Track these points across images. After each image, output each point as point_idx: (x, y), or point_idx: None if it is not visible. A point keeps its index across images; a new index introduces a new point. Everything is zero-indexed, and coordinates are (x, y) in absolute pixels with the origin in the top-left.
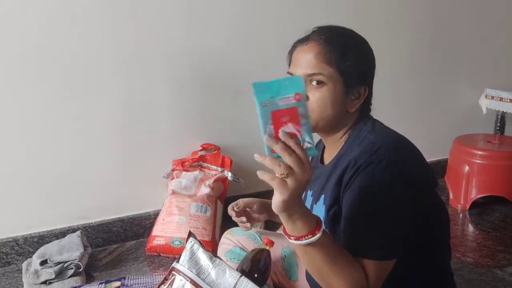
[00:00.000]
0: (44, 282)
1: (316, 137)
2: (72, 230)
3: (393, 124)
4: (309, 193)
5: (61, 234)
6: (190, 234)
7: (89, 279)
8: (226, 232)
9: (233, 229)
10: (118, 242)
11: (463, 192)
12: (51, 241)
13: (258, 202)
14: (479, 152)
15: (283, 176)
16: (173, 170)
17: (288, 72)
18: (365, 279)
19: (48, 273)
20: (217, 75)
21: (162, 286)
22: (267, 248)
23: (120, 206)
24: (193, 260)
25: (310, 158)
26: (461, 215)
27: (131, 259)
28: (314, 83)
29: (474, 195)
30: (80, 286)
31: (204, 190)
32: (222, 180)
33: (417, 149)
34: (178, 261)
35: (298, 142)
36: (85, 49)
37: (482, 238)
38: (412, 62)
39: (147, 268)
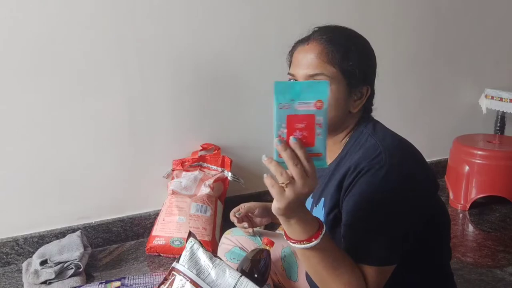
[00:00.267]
0: (44, 282)
1: None
2: (72, 230)
3: (393, 124)
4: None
5: (61, 234)
6: (190, 234)
7: (89, 279)
8: (226, 232)
9: (233, 229)
10: (118, 242)
11: (463, 192)
12: (51, 241)
13: (260, 207)
14: (479, 152)
15: (283, 184)
16: (173, 170)
17: (288, 73)
18: (365, 285)
19: (48, 273)
20: (217, 75)
21: (162, 286)
22: (267, 248)
23: (120, 206)
24: (193, 260)
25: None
26: (461, 215)
27: (131, 259)
28: None
29: (474, 195)
30: (80, 286)
31: (204, 190)
32: (222, 180)
33: (419, 152)
34: (178, 261)
35: (307, 152)
36: (86, 51)
37: (482, 238)
38: (412, 62)
39: (147, 268)
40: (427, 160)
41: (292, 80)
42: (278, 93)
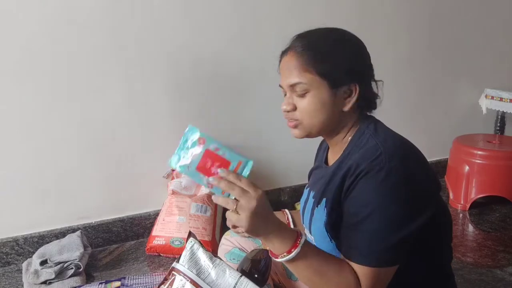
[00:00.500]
0: (44, 282)
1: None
2: (72, 230)
3: (393, 124)
4: (311, 194)
5: (61, 234)
6: (190, 234)
7: (89, 279)
8: (225, 233)
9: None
10: (118, 242)
11: (463, 192)
12: (51, 241)
13: None
14: (479, 152)
15: (235, 210)
16: (173, 170)
17: (279, 85)
18: (355, 285)
19: (48, 273)
20: (217, 75)
21: (162, 286)
22: (267, 248)
23: (120, 206)
24: (193, 260)
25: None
26: (461, 215)
27: (131, 259)
28: (298, 92)
29: (474, 195)
30: (80, 286)
31: (204, 190)
32: None
33: (420, 152)
34: (178, 261)
35: (236, 174)
36: (85, 50)
37: (482, 238)
38: (412, 62)
39: (147, 268)
40: (427, 160)
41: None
42: (173, 162)
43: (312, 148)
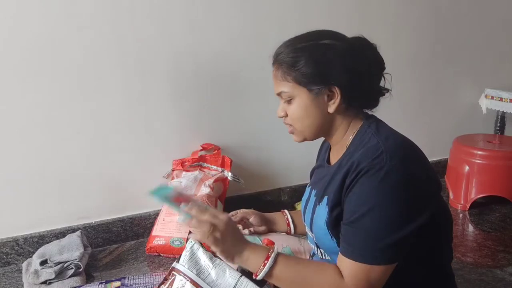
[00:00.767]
0: (44, 282)
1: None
2: (72, 230)
3: (393, 124)
4: (313, 192)
5: (61, 234)
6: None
7: (89, 279)
8: None
9: None
10: (118, 242)
11: (463, 192)
12: (51, 241)
13: (256, 215)
14: (479, 152)
15: (210, 233)
16: (173, 170)
17: None
18: (337, 281)
19: (48, 273)
20: (217, 75)
21: (162, 286)
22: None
23: (120, 206)
24: (193, 260)
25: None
26: (461, 215)
27: (131, 259)
28: (285, 100)
29: (474, 195)
30: (80, 286)
31: (204, 190)
32: (222, 180)
33: (421, 152)
34: (178, 261)
35: (203, 207)
36: (86, 51)
37: (482, 238)
38: (412, 62)
39: (147, 268)
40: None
41: None
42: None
43: (312, 148)
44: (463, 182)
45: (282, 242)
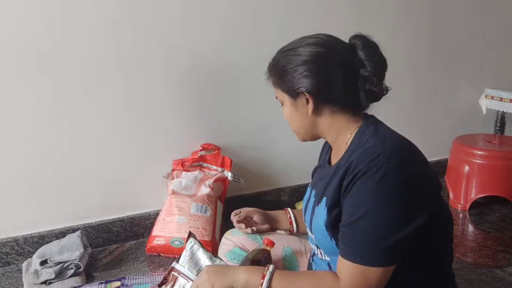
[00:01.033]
0: (44, 282)
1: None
2: (72, 230)
3: (392, 124)
4: (313, 193)
5: (61, 234)
6: (190, 234)
7: (89, 279)
8: (226, 233)
9: (234, 229)
10: (118, 242)
11: (463, 192)
12: (51, 241)
13: (259, 214)
14: (479, 152)
15: None
16: (173, 170)
17: None
18: (331, 284)
19: (48, 273)
20: (217, 76)
21: (163, 287)
22: (267, 248)
23: (120, 206)
24: (193, 261)
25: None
26: (461, 215)
27: (131, 259)
28: (281, 104)
29: (474, 195)
30: (80, 286)
31: (204, 190)
32: (222, 180)
33: (420, 152)
34: (177, 261)
35: None
36: (86, 51)
37: (482, 238)
38: (412, 62)
39: (147, 268)
40: (427, 160)
41: None
42: None
43: (312, 148)
44: (463, 182)
45: (283, 242)
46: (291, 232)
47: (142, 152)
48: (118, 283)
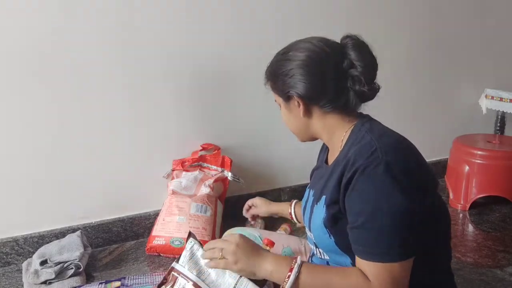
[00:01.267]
0: (44, 282)
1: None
2: (72, 230)
3: (392, 124)
4: (311, 193)
5: (61, 234)
6: (190, 234)
7: (89, 279)
8: (226, 232)
9: (234, 229)
10: (118, 242)
11: (463, 192)
12: (51, 241)
13: (260, 199)
14: (479, 152)
15: (222, 258)
16: (173, 170)
17: None
18: (362, 284)
19: (48, 273)
20: (217, 76)
21: (163, 287)
22: (267, 248)
23: (120, 206)
24: (193, 261)
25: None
26: (461, 215)
27: (131, 259)
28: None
29: (474, 195)
30: (80, 286)
31: (204, 190)
32: (222, 180)
33: (416, 149)
34: (177, 261)
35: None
36: (87, 52)
37: (482, 238)
38: (412, 62)
39: (147, 268)
40: (427, 160)
41: None
42: None
43: (311, 148)
44: (463, 182)
45: (283, 243)
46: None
47: (142, 152)
48: (118, 283)
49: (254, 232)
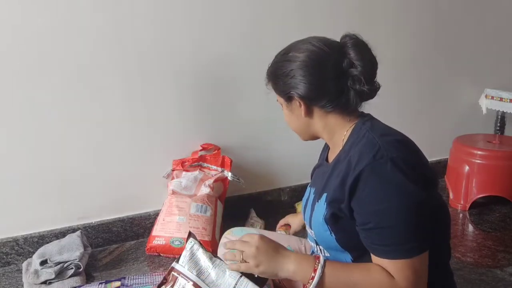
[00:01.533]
0: (44, 282)
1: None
2: (72, 230)
3: (392, 124)
4: (312, 190)
5: (61, 234)
6: (190, 234)
7: (89, 279)
8: (226, 232)
9: (234, 229)
10: (118, 242)
11: (463, 192)
12: (51, 241)
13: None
14: (479, 152)
15: (242, 260)
16: (173, 170)
17: None
18: (389, 281)
19: (48, 273)
20: (218, 76)
21: (163, 287)
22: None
23: (120, 206)
24: (193, 261)
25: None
26: (461, 215)
27: (131, 259)
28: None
29: (474, 195)
30: (80, 286)
31: (204, 190)
32: (222, 180)
33: (417, 147)
34: (177, 262)
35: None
36: (87, 52)
37: (482, 238)
38: (412, 62)
39: (147, 268)
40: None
41: None
42: None
43: (312, 148)
44: (463, 182)
45: (283, 242)
46: None
47: (142, 152)
48: (118, 283)
49: (253, 232)
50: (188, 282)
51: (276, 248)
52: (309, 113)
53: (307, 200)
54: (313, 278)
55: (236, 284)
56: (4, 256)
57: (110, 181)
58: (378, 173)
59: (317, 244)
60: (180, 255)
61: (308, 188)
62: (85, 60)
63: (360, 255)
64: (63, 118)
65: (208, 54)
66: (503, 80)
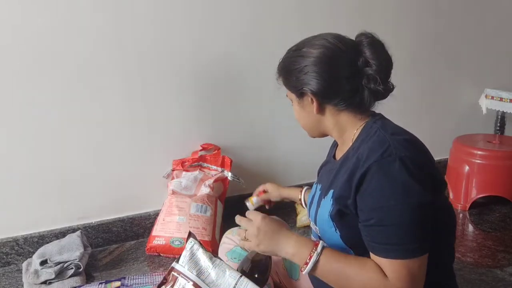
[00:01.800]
0: (44, 282)
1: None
2: (72, 230)
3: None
4: (318, 187)
5: (61, 234)
6: (190, 235)
7: (89, 279)
8: (227, 232)
9: (234, 229)
10: (118, 242)
11: (463, 192)
12: (51, 241)
13: (272, 184)
14: (479, 152)
15: (245, 239)
16: (173, 170)
17: None
18: (380, 281)
19: (48, 273)
20: (218, 76)
21: (163, 287)
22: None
23: (120, 206)
24: (193, 261)
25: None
26: (461, 215)
27: (131, 259)
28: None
29: (474, 195)
30: (80, 286)
31: (204, 190)
32: (222, 180)
33: (426, 148)
34: (177, 262)
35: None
36: (87, 52)
37: (482, 238)
38: (412, 62)
39: (147, 268)
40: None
41: None
42: None
43: (311, 148)
44: (463, 182)
45: None
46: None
47: (142, 152)
48: (118, 283)
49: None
50: (188, 282)
51: (278, 229)
52: (321, 110)
53: (313, 196)
54: (307, 264)
55: (236, 284)
56: (4, 256)
57: (110, 181)
58: (385, 170)
59: (321, 240)
60: (180, 255)
61: (315, 185)
62: (85, 60)
63: (363, 253)
64: (63, 118)
65: (208, 54)
66: (503, 80)
